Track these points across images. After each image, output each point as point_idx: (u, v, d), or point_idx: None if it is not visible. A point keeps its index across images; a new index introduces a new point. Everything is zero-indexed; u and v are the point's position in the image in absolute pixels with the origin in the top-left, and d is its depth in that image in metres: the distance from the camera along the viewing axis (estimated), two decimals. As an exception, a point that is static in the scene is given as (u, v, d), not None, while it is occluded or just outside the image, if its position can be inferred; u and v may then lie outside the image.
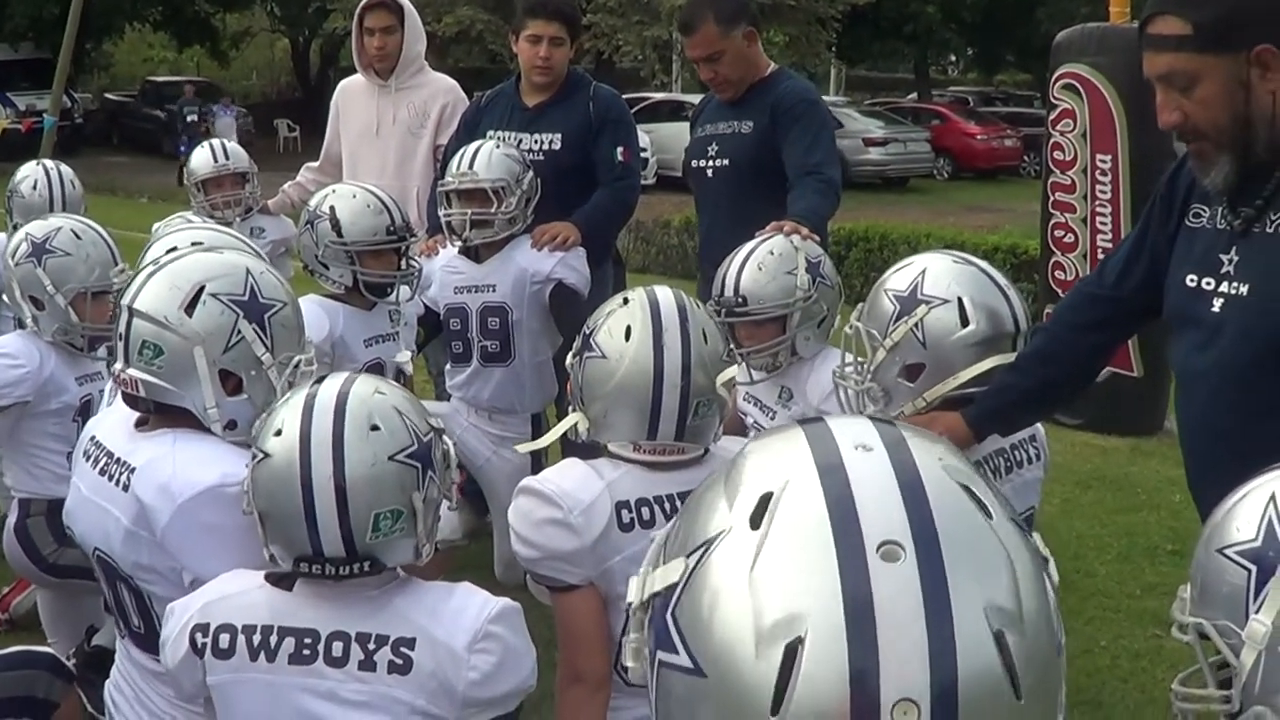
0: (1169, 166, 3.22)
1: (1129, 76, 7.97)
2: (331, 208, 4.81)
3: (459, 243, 5.21)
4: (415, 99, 6.53)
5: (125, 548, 2.92)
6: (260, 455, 2.54)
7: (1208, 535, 2.02)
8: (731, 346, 4.00)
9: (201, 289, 2.96)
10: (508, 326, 5.24)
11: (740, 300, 4.10)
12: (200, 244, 3.54)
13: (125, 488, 2.92)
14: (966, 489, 1.27)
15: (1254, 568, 1.91)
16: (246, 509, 2.59)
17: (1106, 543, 6.48)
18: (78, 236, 4.35)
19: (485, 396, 5.35)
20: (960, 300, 3.18)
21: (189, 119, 30.53)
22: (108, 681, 3.17)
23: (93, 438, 3.15)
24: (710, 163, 5.49)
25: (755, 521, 1.25)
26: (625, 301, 3.02)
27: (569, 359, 3.09)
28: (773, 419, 4.26)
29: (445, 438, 2.66)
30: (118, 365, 3.02)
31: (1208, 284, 2.98)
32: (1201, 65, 2.84)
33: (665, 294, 3.02)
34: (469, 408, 5.41)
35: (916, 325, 3.19)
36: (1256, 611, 1.86)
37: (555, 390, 5.42)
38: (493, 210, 5.10)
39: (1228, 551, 1.95)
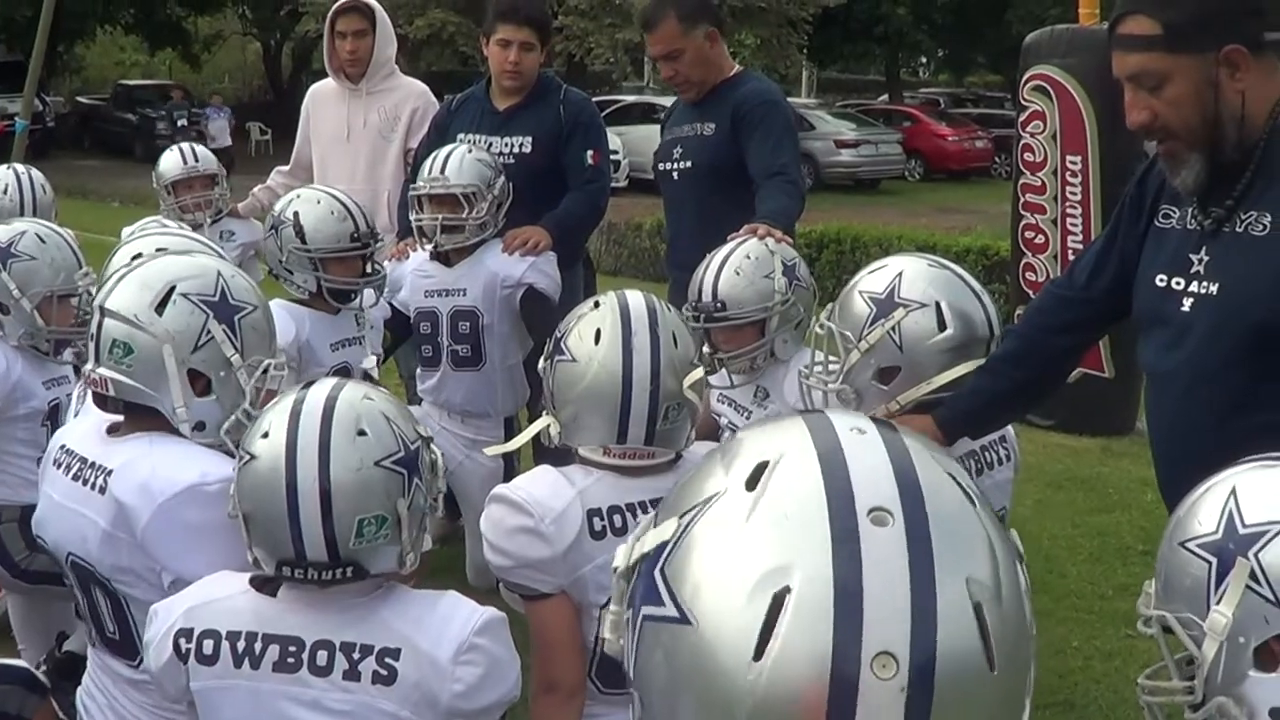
0: (1139, 168, 3.25)
1: (1099, 78, 8.01)
2: (295, 213, 4.80)
3: (430, 247, 5.20)
4: (386, 103, 6.53)
5: (103, 551, 2.92)
6: (247, 457, 2.54)
7: (1171, 529, 2.04)
8: (708, 351, 4.05)
9: (172, 289, 2.97)
10: (478, 331, 5.23)
11: (719, 305, 4.09)
12: (164, 250, 3.54)
13: (102, 490, 2.92)
14: (952, 476, 1.31)
15: (1214, 560, 1.93)
16: (232, 512, 2.58)
17: (1078, 543, 6.51)
18: (42, 240, 4.33)
19: (457, 400, 5.35)
20: (938, 304, 3.18)
21: (179, 123, 30.42)
22: (79, 688, 3.16)
23: (63, 446, 3.14)
24: (675, 165, 5.51)
25: (751, 484, 1.28)
26: (596, 305, 3.01)
27: (541, 363, 3.09)
28: (748, 419, 4.26)
29: (433, 446, 2.66)
30: (88, 365, 3.03)
31: (1177, 284, 3.00)
32: (1172, 65, 2.87)
33: (635, 298, 3.02)
34: (440, 411, 5.41)
35: (894, 329, 3.19)
36: (1217, 603, 1.90)
37: (527, 394, 5.42)
38: (464, 215, 5.09)
39: (1189, 545, 1.97)
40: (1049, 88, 8.35)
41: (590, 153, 5.79)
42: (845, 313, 3.28)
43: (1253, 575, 1.88)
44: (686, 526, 1.30)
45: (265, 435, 2.52)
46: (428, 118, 6.39)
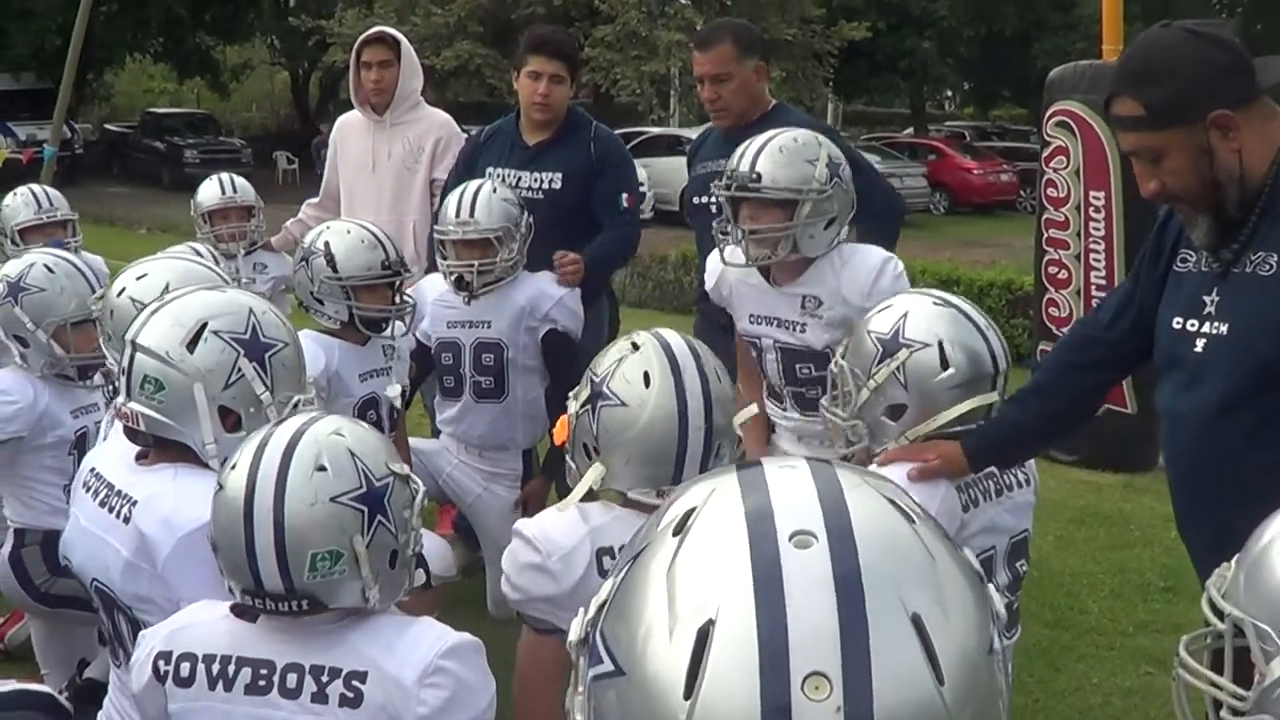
0: (1161, 213, 3.29)
1: (1123, 114, 8.05)
2: (326, 244, 4.83)
3: (464, 292, 5.19)
4: (410, 134, 6.56)
5: (124, 579, 2.96)
6: (219, 487, 2.57)
7: (1275, 534, 1.94)
8: (728, 225, 4.24)
9: (204, 326, 3.01)
10: (502, 363, 5.25)
11: (754, 177, 4.18)
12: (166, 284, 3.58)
13: (126, 520, 2.96)
14: (889, 499, 1.31)
15: None
16: (209, 538, 2.61)
17: (1100, 580, 6.48)
18: (51, 270, 4.39)
19: (477, 433, 5.36)
20: (941, 343, 3.23)
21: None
22: (99, 712, 3.18)
23: (93, 469, 3.19)
24: (713, 200, 5.49)
25: (677, 530, 1.30)
26: (635, 347, 3.00)
27: (574, 406, 3.07)
28: (801, 332, 4.33)
29: (413, 482, 2.66)
30: (119, 399, 3.06)
31: (1191, 325, 3.06)
32: (1162, 140, 2.94)
33: (674, 338, 3.03)
34: (459, 444, 5.42)
35: (899, 368, 3.24)
36: None
37: (547, 427, 5.44)
38: (496, 259, 5.10)
39: None
40: (1072, 123, 8.35)
41: (625, 195, 5.83)
42: (856, 351, 3.36)
43: None
44: (619, 583, 1.31)
45: (234, 467, 2.55)
46: (451, 148, 6.45)
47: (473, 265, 5.09)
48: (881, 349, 3.27)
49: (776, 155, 4.18)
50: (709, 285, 4.73)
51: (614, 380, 2.97)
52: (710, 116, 5.57)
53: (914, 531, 1.28)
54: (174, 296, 3.13)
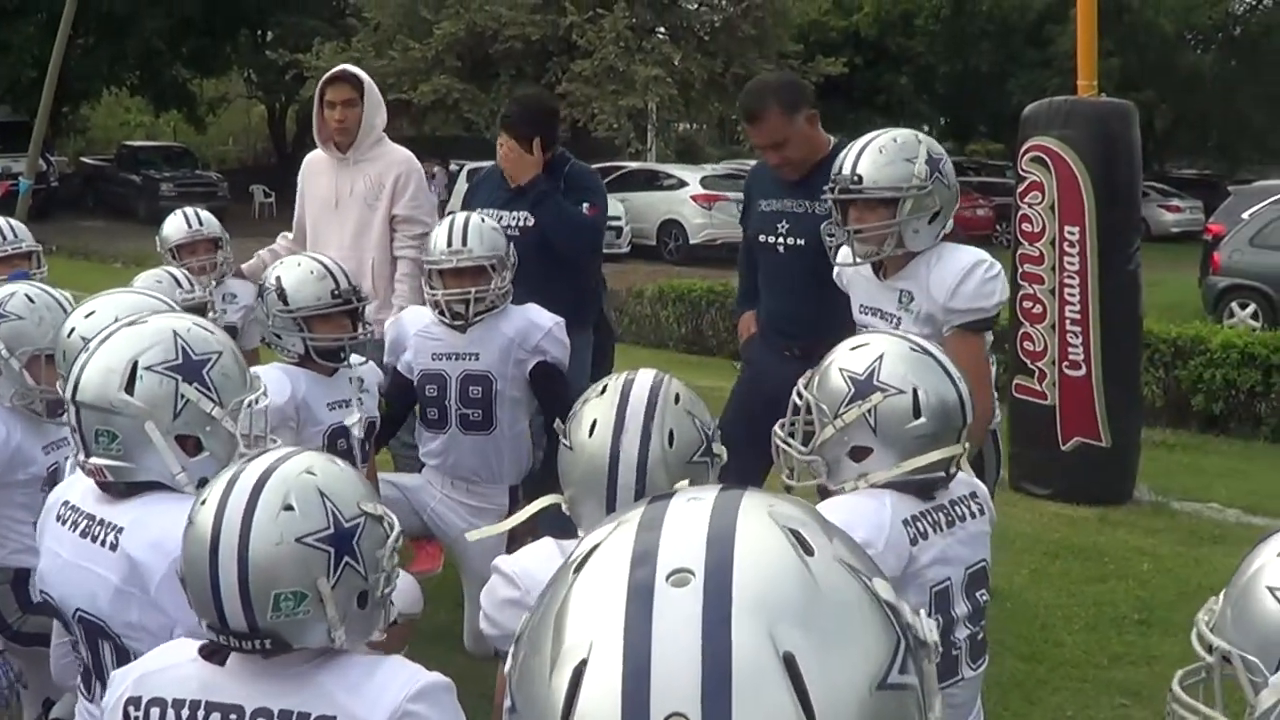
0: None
1: (1096, 149, 8.09)
2: (277, 278, 4.88)
3: (457, 321, 5.22)
4: (371, 171, 6.62)
5: (114, 607, 2.95)
6: (189, 523, 2.55)
7: (1263, 564, 1.96)
8: (837, 224, 4.48)
9: (135, 365, 3.00)
10: (491, 395, 5.26)
11: (856, 179, 4.40)
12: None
13: (113, 547, 2.95)
14: (792, 531, 1.30)
15: None
16: (179, 573, 2.60)
17: (1074, 613, 6.49)
18: (31, 300, 4.37)
19: (465, 466, 5.37)
20: (916, 391, 3.13)
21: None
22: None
23: (65, 502, 3.17)
24: (781, 240, 5.49)
25: (578, 568, 1.31)
26: (604, 390, 3.01)
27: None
28: (896, 325, 4.43)
29: (387, 521, 2.62)
30: (80, 457, 3.06)
31: None
32: None
33: (640, 388, 3.00)
34: (444, 478, 5.43)
35: (869, 411, 3.15)
36: None
37: (530, 460, 5.45)
38: (490, 286, 5.15)
39: None
40: (1047, 159, 8.37)
41: (587, 205, 6.01)
42: (824, 386, 3.23)
43: None
44: (524, 628, 1.33)
45: (204, 503, 2.53)
46: (410, 184, 6.58)
47: (469, 293, 5.13)
48: (853, 389, 3.16)
49: (876, 156, 4.41)
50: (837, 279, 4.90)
51: (572, 420, 2.99)
52: (779, 175, 5.56)
53: (804, 566, 1.27)
54: (98, 342, 3.11)
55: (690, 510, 1.32)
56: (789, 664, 1.19)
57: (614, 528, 1.34)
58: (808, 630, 1.22)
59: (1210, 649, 1.96)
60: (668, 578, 1.23)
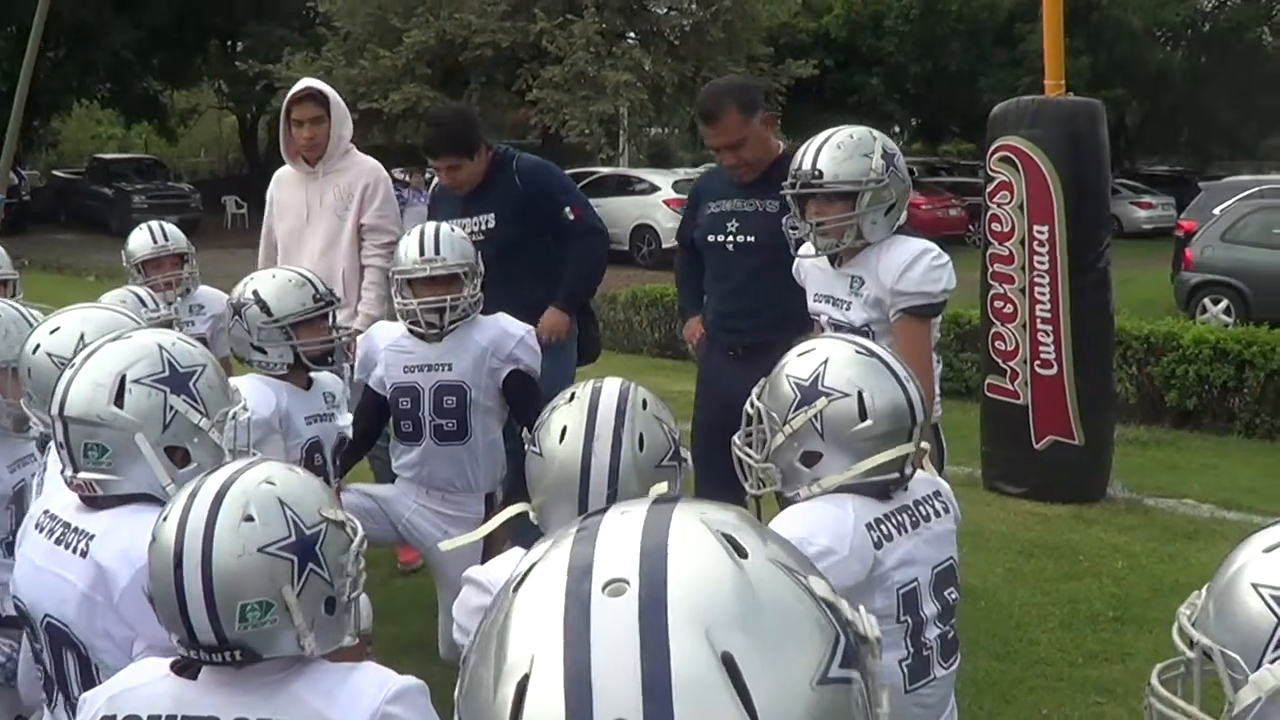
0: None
1: (1064, 148, 8.12)
2: (255, 292, 4.88)
3: (431, 330, 5.23)
4: (341, 181, 6.68)
5: (79, 614, 2.95)
6: (152, 539, 2.55)
7: (1246, 561, 1.95)
8: (798, 219, 4.64)
9: (123, 379, 3.01)
10: (465, 405, 5.27)
11: (816, 174, 4.57)
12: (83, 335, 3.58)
13: (83, 554, 2.96)
14: (725, 535, 1.32)
15: None
16: (145, 590, 2.60)
17: (1049, 611, 6.52)
18: None
19: (441, 476, 5.38)
20: (860, 394, 3.14)
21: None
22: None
23: (46, 511, 3.19)
24: (731, 238, 5.59)
25: (517, 586, 1.33)
26: (571, 398, 3.03)
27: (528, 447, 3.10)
28: (848, 310, 4.64)
29: (350, 526, 2.63)
30: (67, 472, 3.06)
31: None
32: None
33: (609, 395, 3.02)
34: (419, 488, 5.43)
35: (816, 416, 3.16)
36: (1271, 662, 1.84)
37: (504, 469, 5.46)
38: (462, 294, 5.16)
39: (1263, 591, 1.90)
40: (1016, 159, 8.39)
41: (567, 209, 6.10)
42: (774, 393, 3.24)
43: None
44: (470, 643, 1.34)
45: (165, 519, 2.53)
46: (378, 193, 6.68)
47: (445, 300, 5.14)
48: (800, 395, 3.17)
49: (835, 152, 4.59)
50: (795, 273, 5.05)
51: (541, 429, 3.01)
52: (733, 177, 5.62)
53: (738, 568, 1.29)
54: (83, 357, 3.12)
55: (624, 522, 1.34)
56: (728, 664, 1.21)
57: (550, 545, 1.35)
58: (745, 631, 1.24)
59: (1191, 644, 1.96)
60: (604, 588, 1.25)
